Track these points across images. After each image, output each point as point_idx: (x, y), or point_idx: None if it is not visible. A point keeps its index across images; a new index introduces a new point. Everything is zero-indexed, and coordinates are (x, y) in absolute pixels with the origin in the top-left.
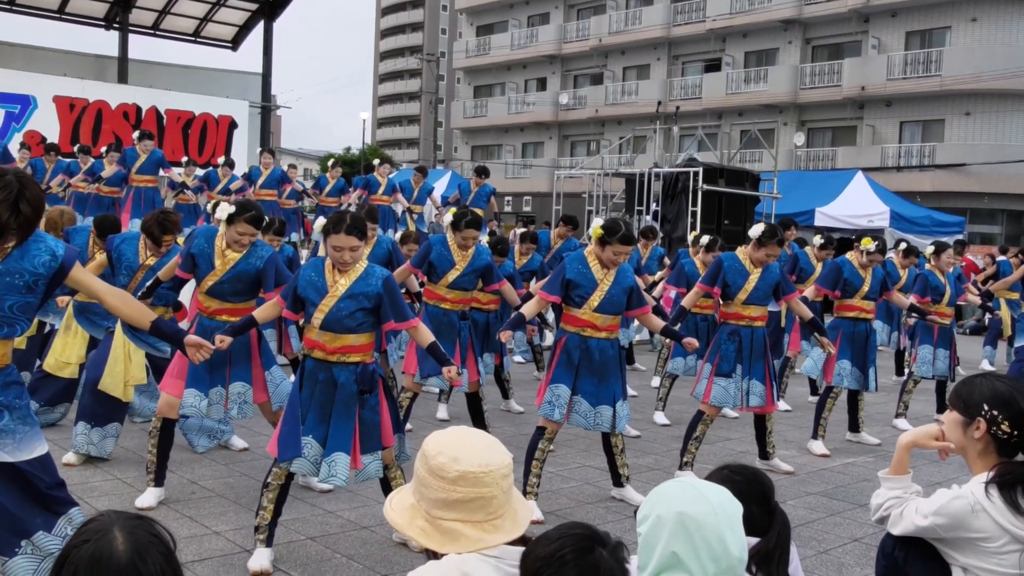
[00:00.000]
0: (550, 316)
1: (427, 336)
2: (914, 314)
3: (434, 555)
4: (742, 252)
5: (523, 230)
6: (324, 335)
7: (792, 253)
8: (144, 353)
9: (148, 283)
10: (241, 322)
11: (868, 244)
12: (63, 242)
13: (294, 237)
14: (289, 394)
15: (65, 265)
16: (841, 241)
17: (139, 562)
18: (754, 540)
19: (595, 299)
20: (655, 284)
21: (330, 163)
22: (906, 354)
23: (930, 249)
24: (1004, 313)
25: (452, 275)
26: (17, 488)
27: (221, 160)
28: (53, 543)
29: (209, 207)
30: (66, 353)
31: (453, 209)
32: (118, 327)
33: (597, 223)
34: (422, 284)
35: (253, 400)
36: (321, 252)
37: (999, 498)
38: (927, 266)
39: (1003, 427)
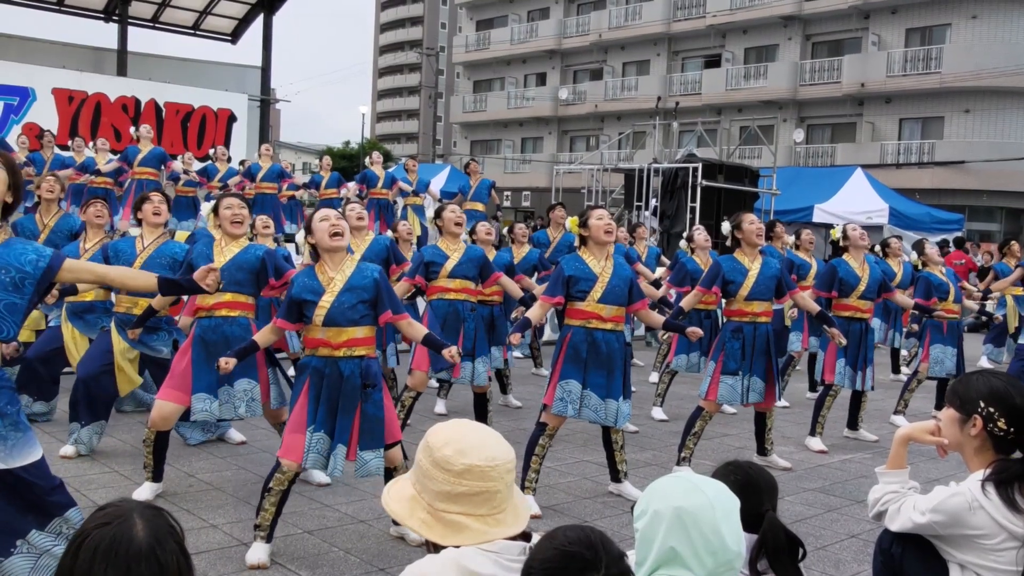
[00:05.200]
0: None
1: (420, 330)
2: (922, 313)
3: (435, 547)
4: (739, 253)
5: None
6: (328, 331)
7: (785, 258)
8: (138, 354)
9: (143, 314)
10: (244, 345)
11: (835, 234)
12: (49, 248)
13: (292, 230)
14: (290, 397)
15: (53, 265)
16: (835, 244)
17: (158, 549)
18: (753, 536)
19: (597, 291)
20: (659, 283)
21: (320, 159)
22: (903, 353)
23: (915, 255)
24: (1010, 309)
25: (450, 264)
26: (11, 493)
27: (211, 152)
28: (47, 540)
29: (204, 211)
30: (79, 353)
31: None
32: (112, 328)
33: (570, 220)
34: (423, 291)
35: (260, 398)
36: (305, 256)
37: (996, 495)
38: (926, 269)
39: (999, 424)
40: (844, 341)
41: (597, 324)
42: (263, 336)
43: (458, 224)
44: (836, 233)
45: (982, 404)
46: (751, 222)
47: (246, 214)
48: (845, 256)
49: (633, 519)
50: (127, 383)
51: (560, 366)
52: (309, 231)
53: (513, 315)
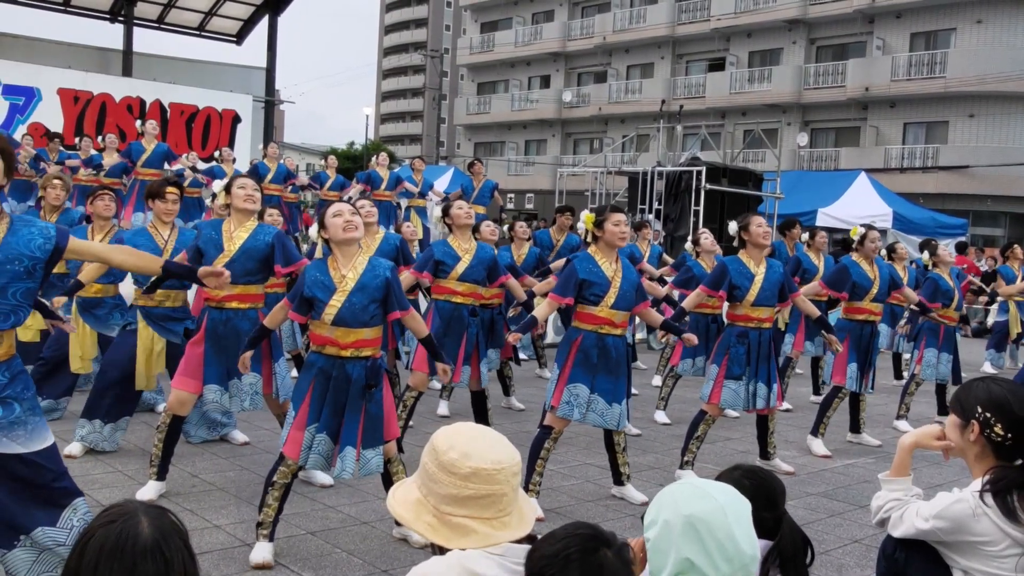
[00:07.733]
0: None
1: (422, 328)
2: (920, 312)
3: (440, 550)
4: (744, 255)
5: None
6: (337, 330)
7: (795, 255)
8: (164, 345)
9: (153, 279)
10: (256, 333)
11: (855, 233)
12: (51, 224)
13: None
14: (295, 393)
15: (59, 244)
16: (843, 242)
17: (164, 546)
18: (764, 542)
19: (611, 296)
20: (663, 280)
21: (326, 158)
22: (903, 357)
23: (926, 255)
24: (1012, 316)
25: (460, 267)
26: (19, 484)
27: (216, 154)
28: (59, 536)
29: (216, 188)
30: (83, 350)
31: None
32: (139, 320)
33: (585, 214)
34: (428, 287)
35: (262, 391)
36: (318, 254)
37: (994, 504)
38: (935, 270)
39: (996, 430)
40: (840, 348)
41: (609, 329)
42: (272, 318)
43: (468, 219)
44: (856, 234)
45: (979, 410)
46: (758, 224)
47: (259, 196)
48: (855, 257)
49: (643, 529)
50: (144, 382)
51: (569, 369)
52: (322, 226)
53: (510, 313)
